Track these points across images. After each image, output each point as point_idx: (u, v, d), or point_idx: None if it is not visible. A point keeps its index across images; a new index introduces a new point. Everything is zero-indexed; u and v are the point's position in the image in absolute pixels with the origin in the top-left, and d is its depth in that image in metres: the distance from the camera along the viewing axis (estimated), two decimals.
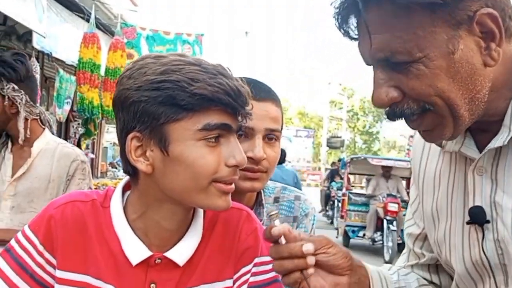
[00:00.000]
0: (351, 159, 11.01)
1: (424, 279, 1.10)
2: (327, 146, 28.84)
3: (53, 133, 2.09)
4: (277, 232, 0.85)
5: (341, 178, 13.13)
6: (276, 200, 1.39)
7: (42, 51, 6.07)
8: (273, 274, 0.94)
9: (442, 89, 0.78)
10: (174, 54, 0.89)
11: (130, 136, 0.86)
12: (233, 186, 0.89)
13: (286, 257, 0.85)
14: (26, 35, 6.08)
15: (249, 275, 0.94)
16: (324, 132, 31.54)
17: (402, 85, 0.80)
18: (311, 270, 0.85)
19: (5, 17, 5.48)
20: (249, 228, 0.96)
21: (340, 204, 11.01)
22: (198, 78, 0.82)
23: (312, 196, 8.42)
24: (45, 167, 1.95)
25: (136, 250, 0.90)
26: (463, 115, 0.80)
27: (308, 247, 0.84)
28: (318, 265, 0.87)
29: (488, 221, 0.86)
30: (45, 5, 5.17)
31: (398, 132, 36.20)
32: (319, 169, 37.96)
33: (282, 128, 1.25)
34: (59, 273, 0.91)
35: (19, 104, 1.92)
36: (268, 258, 0.93)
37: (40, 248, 0.91)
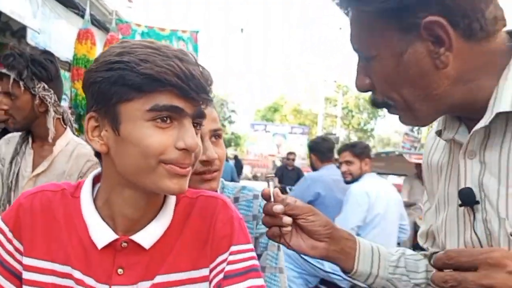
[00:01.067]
0: (378, 154, 8.51)
1: None
2: None
3: (73, 133, 2.11)
4: (266, 192, 1.04)
5: None
6: (236, 200, 1.41)
7: (36, 47, 6.02)
8: (250, 263, 0.94)
9: (393, 85, 0.89)
10: (144, 40, 0.90)
11: (87, 115, 0.89)
12: (188, 169, 0.88)
13: (266, 213, 1.03)
14: (20, 31, 6.03)
15: (225, 263, 0.93)
16: (319, 129, 31.53)
17: (371, 76, 0.93)
18: (286, 229, 1.03)
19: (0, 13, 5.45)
20: (225, 216, 0.97)
21: None
22: (148, 60, 0.83)
23: None
24: (63, 165, 1.97)
25: (101, 234, 0.91)
26: (420, 109, 0.90)
27: (276, 208, 1.01)
28: (301, 228, 1.07)
29: (478, 202, 0.90)
30: (39, 1, 5.14)
31: (392, 129, 36.28)
32: None
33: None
34: (26, 260, 0.92)
35: (49, 103, 1.94)
36: (244, 247, 0.95)
37: (9, 235, 0.93)
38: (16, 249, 0.93)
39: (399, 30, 0.85)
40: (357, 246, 1.12)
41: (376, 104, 0.95)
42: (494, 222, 0.88)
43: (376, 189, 3.69)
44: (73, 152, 2.00)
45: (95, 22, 6.63)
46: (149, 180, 0.87)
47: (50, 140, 1.97)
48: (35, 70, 1.90)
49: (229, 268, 0.93)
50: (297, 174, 9.96)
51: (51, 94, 1.95)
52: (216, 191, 1.34)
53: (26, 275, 0.92)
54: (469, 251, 0.75)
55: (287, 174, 10.31)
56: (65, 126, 2.06)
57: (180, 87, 0.84)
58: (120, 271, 0.91)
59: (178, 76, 0.83)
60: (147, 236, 0.92)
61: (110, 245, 0.91)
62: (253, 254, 0.97)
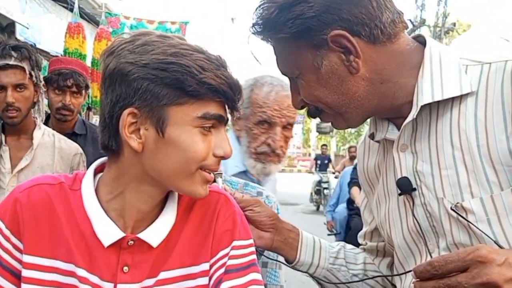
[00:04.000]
0: None
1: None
2: (317, 131, 28.91)
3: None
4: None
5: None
6: None
7: (25, 42, 5.98)
8: (250, 258, 0.95)
9: (319, 96, 1.00)
10: (177, 36, 0.89)
11: (127, 111, 0.84)
12: (213, 176, 0.91)
13: None
14: (9, 27, 5.98)
15: (226, 258, 0.93)
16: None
17: (300, 93, 1.03)
18: None
19: None
20: (227, 211, 0.97)
21: None
22: (206, 67, 0.84)
23: (302, 182, 8.43)
24: (46, 158, 1.95)
25: (108, 232, 0.88)
26: (347, 111, 1.00)
27: None
28: (247, 220, 1.09)
29: (414, 189, 0.99)
30: None
31: None
32: (309, 154, 38.09)
33: None
34: (26, 258, 0.88)
35: (42, 91, 1.98)
36: (246, 242, 0.96)
37: (7, 232, 0.89)
38: (15, 247, 0.89)
39: (311, 48, 0.97)
40: (300, 238, 1.21)
41: (311, 115, 1.07)
42: (433, 203, 0.96)
43: None
44: (54, 145, 1.98)
45: (84, 15, 6.57)
46: (183, 184, 0.88)
47: (39, 128, 1.96)
48: (36, 59, 1.92)
49: (230, 262, 0.92)
50: (328, 160, 14.95)
51: (41, 83, 1.96)
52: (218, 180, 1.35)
53: (26, 273, 0.88)
54: (454, 255, 0.77)
55: (322, 160, 14.56)
56: (36, 117, 2.04)
57: (231, 99, 0.87)
58: (125, 269, 0.89)
59: (231, 88, 0.86)
60: (155, 234, 0.91)
61: (116, 243, 0.88)
62: (253, 249, 0.97)
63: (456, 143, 0.93)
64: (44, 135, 1.99)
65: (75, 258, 0.88)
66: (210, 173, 0.90)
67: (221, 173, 1.15)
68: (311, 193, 13.55)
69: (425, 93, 0.95)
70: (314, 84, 0.99)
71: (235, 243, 0.94)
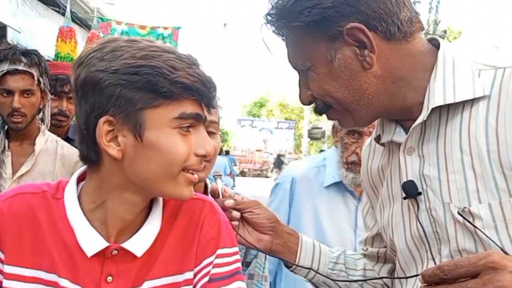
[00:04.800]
0: None
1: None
2: (309, 137, 28.92)
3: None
4: (214, 189, 1.12)
5: None
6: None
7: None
8: (235, 266, 0.95)
9: (329, 90, 0.97)
10: (145, 39, 0.88)
11: (102, 119, 0.83)
12: (197, 176, 0.90)
13: None
14: (1, 31, 5.94)
15: (210, 267, 0.93)
16: (305, 123, 31.60)
17: (310, 87, 1.00)
18: (235, 222, 1.11)
19: None
20: (212, 219, 0.96)
21: None
22: (177, 67, 0.83)
23: None
24: (48, 164, 1.94)
25: (91, 241, 0.87)
26: (356, 108, 0.98)
27: (228, 202, 1.10)
28: (247, 222, 1.15)
29: (420, 193, 0.97)
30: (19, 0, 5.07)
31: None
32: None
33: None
34: (7, 268, 0.87)
35: (48, 98, 1.97)
36: (230, 250, 0.95)
37: None
38: None
39: (326, 40, 0.95)
40: (300, 242, 1.20)
41: (318, 111, 1.04)
42: (439, 208, 0.94)
43: None
44: (56, 151, 1.97)
45: (76, 19, 6.55)
46: (167, 187, 0.87)
47: (43, 134, 1.96)
48: (45, 66, 1.93)
49: (215, 271, 0.92)
50: None
51: (49, 89, 1.98)
52: (207, 184, 1.35)
53: (7, 283, 0.87)
54: (464, 260, 0.75)
55: None
56: (40, 124, 2.04)
57: (206, 96, 0.86)
58: (109, 279, 0.88)
59: (205, 85, 0.85)
60: (139, 243, 0.90)
61: (99, 252, 0.87)
62: (238, 257, 0.97)
63: (465, 147, 0.91)
64: (47, 141, 1.99)
65: (57, 268, 0.87)
66: (193, 174, 0.89)
67: (220, 175, 1.17)
68: None
69: (437, 96, 0.93)
70: (325, 78, 0.97)
71: (220, 251, 0.94)
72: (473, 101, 0.93)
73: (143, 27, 7.19)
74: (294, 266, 1.18)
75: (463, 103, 0.93)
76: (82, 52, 0.88)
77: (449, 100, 0.93)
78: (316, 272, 1.18)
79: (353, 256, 1.26)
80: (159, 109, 0.83)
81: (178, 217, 0.95)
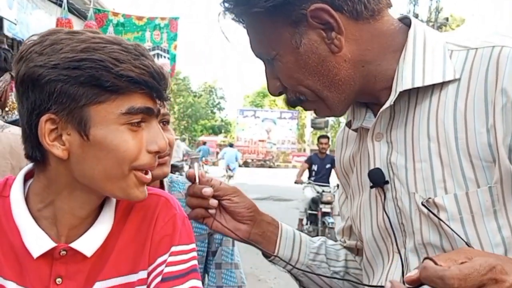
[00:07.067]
0: None
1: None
2: (312, 127, 28.94)
3: None
4: (191, 174, 1.02)
5: None
6: (187, 196, 1.40)
7: (14, 38, 5.91)
8: (190, 263, 0.90)
9: (299, 79, 0.91)
10: (89, 30, 0.82)
11: (44, 118, 0.78)
12: (150, 176, 0.85)
13: (192, 195, 1.02)
14: None
15: (164, 265, 0.88)
16: (308, 113, 31.60)
17: (278, 77, 0.94)
18: (212, 210, 1.04)
19: None
20: (166, 214, 0.92)
21: None
22: (122, 59, 0.77)
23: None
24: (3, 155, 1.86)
25: (37, 242, 0.83)
26: (329, 96, 0.92)
27: (206, 190, 1.01)
28: (225, 210, 1.07)
29: (387, 182, 0.92)
30: None
31: None
32: (304, 150, 38.12)
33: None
34: None
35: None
36: (186, 247, 0.91)
37: None
38: None
39: (289, 25, 0.88)
40: (279, 231, 1.13)
41: (290, 103, 0.97)
42: (404, 198, 0.90)
43: None
44: (0, 137, 1.87)
45: (73, 10, 6.47)
46: (117, 188, 0.82)
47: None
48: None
49: (168, 269, 0.88)
50: (331, 163, 7.68)
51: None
52: (162, 180, 1.34)
53: None
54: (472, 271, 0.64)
55: (321, 163, 7.85)
56: None
57: (156, 88, 0.81)
58: (58, 280, 0.84)
59: (154, 77, 0.80)
60: (89, 243, 0.85)
61: (47, 253, 0.83)
62: (195, 254, 0.93)
63: (433, 134, 0.87)
64: None
65: (3, 271, 0.83)
66: (146, 174, 0.84)
67: (198, 158, 1.10)
68: (300, 220, 7.77)
69: (405, 78, 0.88)
70: (293, 66, 0.91)
71: (174, 248, 0.89)
72: (442, 85, 0.87)
73: (140, 18, 7.09)
74: (273, 257, 1.12)
75: (433, 87, 0.88)
76: (23, 46, 0.82)
77: (418, 84, 0.87)
78: (294, 267, 1.12)
79: (334, 246, 1.21)
80: (104, 104, 0.78)
81: (131, 214, 0.91)
